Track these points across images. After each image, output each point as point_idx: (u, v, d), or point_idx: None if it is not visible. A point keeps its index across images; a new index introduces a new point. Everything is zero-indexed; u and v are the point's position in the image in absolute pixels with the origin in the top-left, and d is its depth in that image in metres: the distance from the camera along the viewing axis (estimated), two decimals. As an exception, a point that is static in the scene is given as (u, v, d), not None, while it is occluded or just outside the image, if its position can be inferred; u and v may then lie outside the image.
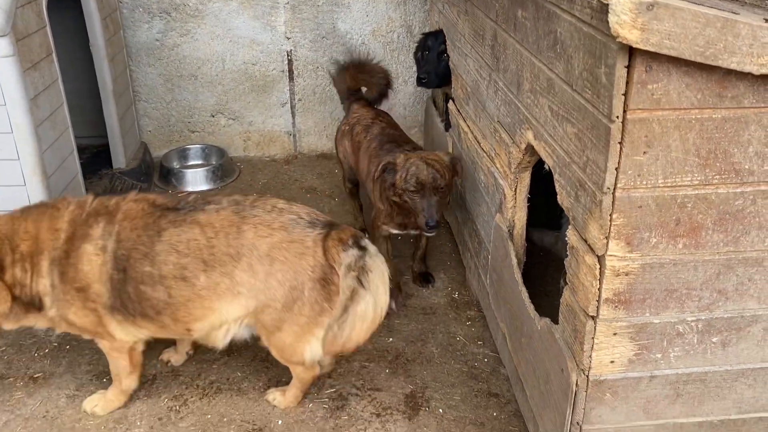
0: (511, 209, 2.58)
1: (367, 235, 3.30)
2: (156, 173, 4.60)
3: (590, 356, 1.86)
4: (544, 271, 3.08)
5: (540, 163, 2.44)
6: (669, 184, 1.67)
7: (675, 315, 1.85)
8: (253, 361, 2.92)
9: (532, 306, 2.32)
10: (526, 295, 2.37)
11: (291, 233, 2.29)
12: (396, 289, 3.24)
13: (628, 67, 1.55)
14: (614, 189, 1.67)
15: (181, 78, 4.67)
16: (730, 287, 1.83)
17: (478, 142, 3.03)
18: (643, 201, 1.68)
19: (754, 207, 1.73)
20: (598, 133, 1.68)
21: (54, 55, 3.34)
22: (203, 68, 4.65)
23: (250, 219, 2.31)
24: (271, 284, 2.27)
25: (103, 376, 2.80)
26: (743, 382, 1.97)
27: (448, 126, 3.78)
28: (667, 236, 1.74)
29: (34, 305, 2.38)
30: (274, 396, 2.68)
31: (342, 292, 2.21)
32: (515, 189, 2.54)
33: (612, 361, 1.88)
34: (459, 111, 3.42)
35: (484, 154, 2.91)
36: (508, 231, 2.60)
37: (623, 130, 1.60)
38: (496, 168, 2.73)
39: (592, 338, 1.84)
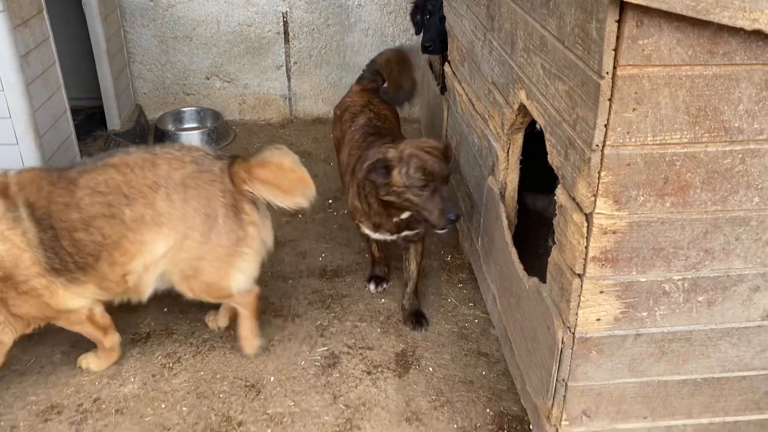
0: (503, 171, 2.58)
1: (385, 284, 3.27)
2: (151, 136, 4.59)
3: (576, 314, 1.88)
4: (537, 234, 3.09)
5: (533, 126, 2.44)
6: (658, 142, 1.67)
7: (661, 274, 1.86)
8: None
9: (521, 266, 2.33)
10: (516, 255, 2.39)
11: (201, 165, 2.43)
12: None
13: (619, 21, 1.53)
14: (603, 146, 1.66)
15: (176, 39, 4.62)
16: (717, 246, 1.84)
17: (472, 104, 3.01)
18: (631, 159, 1.68)
19: (743, 166, 1.72)
20: (588, 90, 1.67)
21: (45, 12, 3.30)
22: (198, 29, 4.60)
23: (163, 155, 2.43)
24: (188, 212, 2.37)
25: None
26: (727, 341, 2.00)
27: (443, 89, 3.75)
28: (655, 194, 1.74)
29: None
30: (244, 345, 2.70)
31: (265, 153, 2.45)
32: (508, 151, 2.54)
33: (598, 319, 1.90)
34: (455, 73, 3.40)
35: (478, 116, 2.90)
36: (500, 193, 2.60)
37: (613, 87, 1.59)
38: (490, 130, 2.72)
39: (579, 296, 1.86)
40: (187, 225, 2.38)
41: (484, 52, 2.74)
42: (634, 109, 1.62)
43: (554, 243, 2.00)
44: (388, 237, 2.88)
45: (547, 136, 2.02)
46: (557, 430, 2.09)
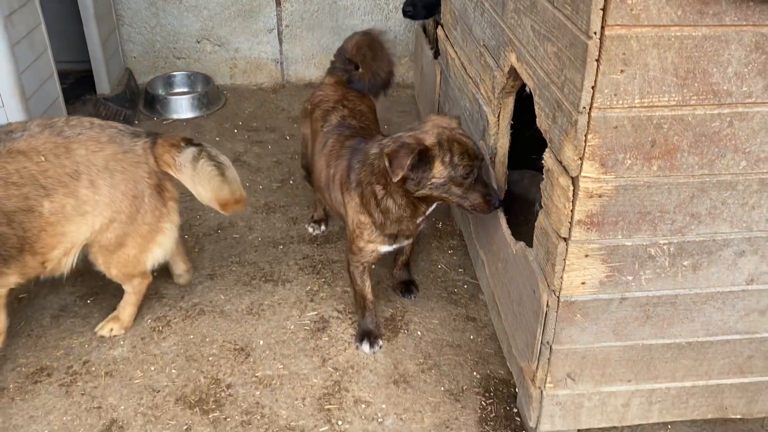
0: (494, 136, 2.56)
1: (324, 226, 3.28)
2: (141, 100, 4.53)
3: (561, 277, 1.89)
4: (526, 201, 3.09)
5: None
6: (645, 104, 1.65)
7: (647, 238, 1.86)
8: (236, 284, 2.95)
9: (509, 230, 2.33)
10: (504, 220, 2.38)
11: (121, 144, 2.36)
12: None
13: (608, -21, 1.50)
14: (590, 108, 1.64)
15: (166, 2, 4.54)
16: (704, 211, 1.83)
17: (464, 67, 2.98)
18: (618, 121, 1.67)
19: (731, 129, 1.71)
20: (576, 51, 1.65)
21: (29, -28, 3.23)
22: (187, -9, 4.52)
23: (75, 138, 2.31)
24: (115, 196, 2.33)
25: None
26: (712, 305, 2.01)
27: (437, 54, 3.71)
28: (642, 158, 1.73)
29: None
30: (110, 327, 2.65)
31: (207, 175, 2.41)
32: (498, 115, 2.51)
33: (583, 283, 1.90)
34: (447, 37, 3.35)
35: (470, 80, 2.87)
36: (491, 158, 2.59)
37: (600, 47, 1.57)
38: (481, 94, 2.69)
39: (564, 260, 1.86)
40: (114, 209, 2.34)
41: (476, 14, 2.70)
42: (621, 71, 1.60)
43: (541, 207, 2.00)
44: (404, 243, 2.60)
45: (536, 98, 1.99)
46: (542, 392, 2.11)
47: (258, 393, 2.43)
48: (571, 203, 1.78)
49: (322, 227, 3.30)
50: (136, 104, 4.47)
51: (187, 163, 2.41)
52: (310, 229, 3.30)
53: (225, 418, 2.33)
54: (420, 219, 2.46)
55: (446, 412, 2.37)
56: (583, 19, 1.58)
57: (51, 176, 2.25)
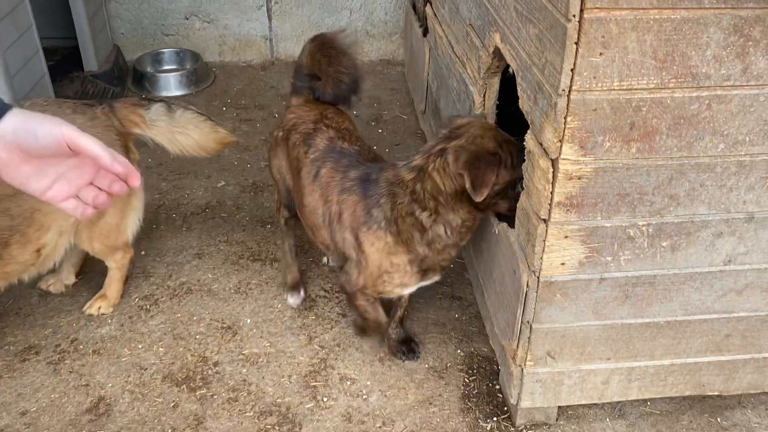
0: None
1: (303, 291, 2.76)
2: (129, 77, 4.50)
3: (541, 258, 1.91)
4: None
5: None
6: (624, 87, 1.66)
7: (626, 219, 1.88)
8: (224, 263, 2.97)
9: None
10: (488, 200, 2.40)
11: (86, 114, 2.37)
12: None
13: (587, -38, 1.50)
14: (569, 91, 1.65)
15: (153, -23, 4.49)
16: (682, 192, 1.85)
17: (451, 46, 2.97)
18: (597, 104, 1.67)
19: (709, 112, 1.72)
20: (555, 33, 1.65)
21: (12, -54, 3.19)
22: (175, -34, 4.46)
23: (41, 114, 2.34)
24: None
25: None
26: (690, 286, 2.03)
27: (426, 31, 3.69)
28: (621, 140, 1.74)
29: None
30: (98, 305, 2.66)
31: (193, 120, 2.48)
32: (484, 95, 2.51)
33: (562, 263, 1.93)
34: (435, 15, 3.33)
35: (457, 60, 2.86)
36: (476, 138, 2.59)
37: (579, 30, 1.57)
38: (467, 74, 2.69)
39: (544, 241, 1.88)
40: None
41: (463, -7, 2.68)
42: (600, 54, 1.60)
43: (523, 189, 2.01)
44: (433, 280, 2.30)
45: (518, 80, 2.00)
46: (522, 370, 2.15)
47: (245, 371, 2.46)
48: (550, 185, 1.80)
49: (302, 292, 2.77)
50: (125, 82, 4.44)
51: (162, 116, 2.47)
52: (292, 300, 2.74)
53: (212, 395, 2.36)
54: (466, 241, 2.22)
55: (430, 389, 2.41)
56: (563, 1, 1.58)
57: None
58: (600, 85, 1.65)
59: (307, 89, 2.60)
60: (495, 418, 2.32)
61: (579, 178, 1.78)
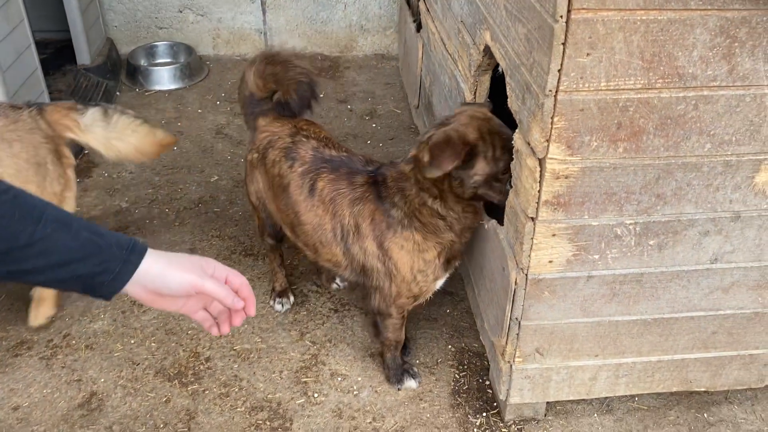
0: (470, 113, 2.57)
1: (292, 297, 2.74)
2: (123, 71, 4.50)
3: (529, 256, 1.92)
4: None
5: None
6: (612, 88, 1.67)
7: (613, 218, 1.89)
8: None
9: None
10: (479, 197, 2.41)
11: (8, 117, 2.31)
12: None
13: (574, -37, 1.50)
14: (556, 91, 1.66)
15: (146, -30, 4.47)
16: (669, 192, 1.87)
17: (444, 43, 2.97)
18: (585, 104, 1.68)
19: (696, 112, 1.73)
20: (543, 33, 1.66)
21: (3, -60, 3.17)
22: (168, -41, 4.44)
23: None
24: (20, 165, 2.27)
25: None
26: (677, 284, 2.05)
27: (419, 27, 3.68)
28: (608, 140, 1.75)
29: None
30: (41, 310, 2.58)
31: (130, 125, 2.45)
32: (475, 93, 2.52)
33: (550, 261, 1.94)
34: (428, 10, 3.33)
35: (449, 56, 2.87)
36: (467, 134, 2.60)
37: (567, 31, 1.58)
38: (459, 71, 2.69)
39: (531, 239, 1.89)
40: (22, 179, 2.27)
41: (454, -10, 2.68)
42: (588, 54, 1.61)
43: (511, 187, 2.02)
44: (455, 267, 2.30)
45: (507, 79, 2.00)
46: (511, 366, 2.17)
47: (236, 366, 2.48)
48: (538, 184, 1.81)
49: (291, 298, 2.75)
50: (118, 75, 4.43)
51: (97, 121, 2.41)
52: (278, 306, 2.71)
53: (204, 391, 2.38)
54: (477, 224, 2.18)
55: (420, 384, 2.43)
56: (551, 2, 1.58)
57: None
58: (587, 85, 1.66)
59: (267, 108, 2.47)
60: (484, 414, 2.34)
61: (566, 178, 1.79)
